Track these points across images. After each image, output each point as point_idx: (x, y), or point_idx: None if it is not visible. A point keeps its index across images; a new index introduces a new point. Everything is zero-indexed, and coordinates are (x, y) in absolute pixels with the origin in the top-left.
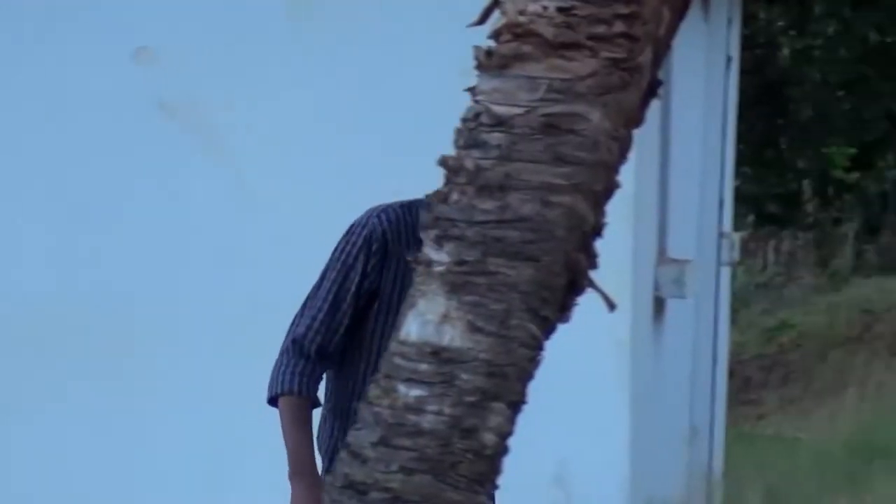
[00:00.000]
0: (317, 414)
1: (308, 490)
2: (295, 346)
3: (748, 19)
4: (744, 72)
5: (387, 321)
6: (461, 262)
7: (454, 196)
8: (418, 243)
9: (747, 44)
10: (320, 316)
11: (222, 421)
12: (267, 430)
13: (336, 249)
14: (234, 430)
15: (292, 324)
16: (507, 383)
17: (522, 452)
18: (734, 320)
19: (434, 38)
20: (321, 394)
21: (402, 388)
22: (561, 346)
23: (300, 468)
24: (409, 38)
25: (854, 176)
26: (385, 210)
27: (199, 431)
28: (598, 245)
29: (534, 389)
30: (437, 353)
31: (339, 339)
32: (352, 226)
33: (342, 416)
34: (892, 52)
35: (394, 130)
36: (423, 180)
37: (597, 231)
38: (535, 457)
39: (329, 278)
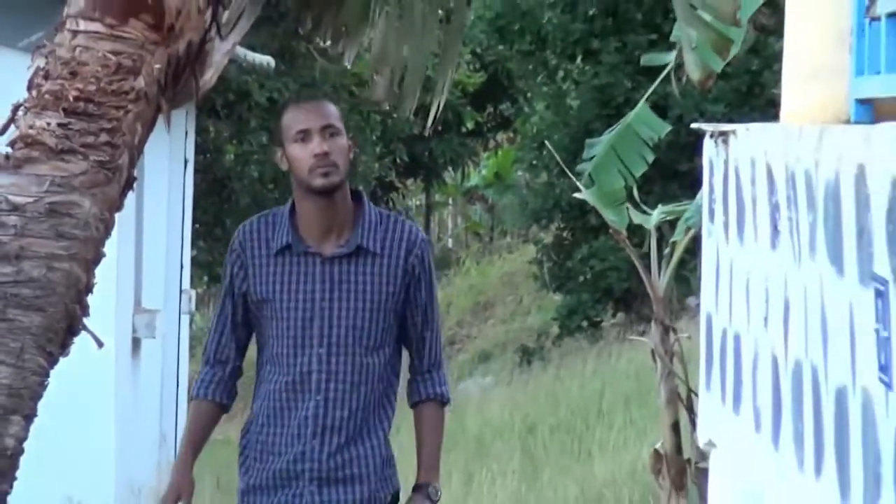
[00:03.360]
0: None
1: (171, 483)
2: (203, 355)
3: (201, 131)
4: (198, 171)
5: (272, 322)
6: None
7: None
8: (266, 244)
9: (200, 149)
10: (215, 324)
11: None
12: None
13: None
14: None
15: None
16: (22, 402)
17: (35, 472)
18: (192, 356)
19: None
20: None
21: None
22: (61, 375)
23: (174, 464)
24: None
25: None
26: (244, 224)
27: None
28: (89, 299)
29: (42, 411)
30: None
31: (230, 342)
32: None
33: (253, 412)
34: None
35: None
36: None
37: (88, 288)
38: (44, 473)
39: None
